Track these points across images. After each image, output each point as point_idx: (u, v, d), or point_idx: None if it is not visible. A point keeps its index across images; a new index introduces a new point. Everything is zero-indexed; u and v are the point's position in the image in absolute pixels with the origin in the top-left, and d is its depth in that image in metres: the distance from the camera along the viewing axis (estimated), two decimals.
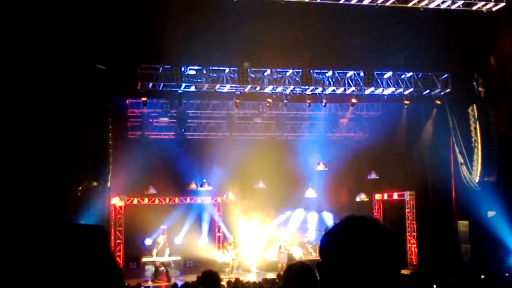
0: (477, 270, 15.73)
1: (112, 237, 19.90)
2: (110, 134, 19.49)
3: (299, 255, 21.50)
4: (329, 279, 1.87)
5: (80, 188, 18.33)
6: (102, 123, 19.12)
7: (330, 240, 1.91)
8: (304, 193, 23.40)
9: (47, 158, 16.75)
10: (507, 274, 14.58)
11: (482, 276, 14.06)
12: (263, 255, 22.22)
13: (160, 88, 19.02)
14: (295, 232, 23.29)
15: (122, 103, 21.58)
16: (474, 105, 19.89)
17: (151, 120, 22.64)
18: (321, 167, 23.06)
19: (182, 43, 17.63)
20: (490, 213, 19.05)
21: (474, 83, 19.78)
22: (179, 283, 12.83)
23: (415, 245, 22.10)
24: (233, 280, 14.82)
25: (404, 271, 16.88)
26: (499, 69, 19.55)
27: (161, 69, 18.57)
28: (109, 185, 19.45)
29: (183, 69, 18.70)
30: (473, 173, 19.66)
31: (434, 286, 10.65)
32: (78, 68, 17.31)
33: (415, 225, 22.23)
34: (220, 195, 22.60)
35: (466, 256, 19.00)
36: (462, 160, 20.04)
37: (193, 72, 18.98)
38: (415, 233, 22.17)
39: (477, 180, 19.53)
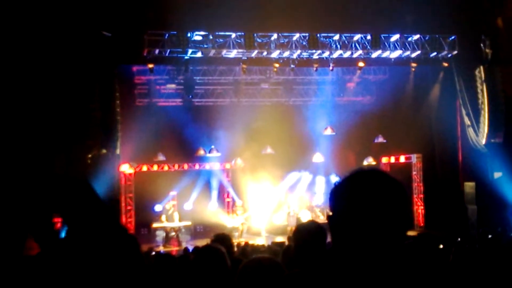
0: (484, 230, 15.88)
1: (123, 204, 20.17)
2: (118, 102, 19.53)
3: (307, 218, 21.71)
4: (339, 231, 1.89)
5: (90, 156, 18.45)
6: (109, 91, 19.12)
7: (340, 192, 1.92)
8: (312, 157, 23.50)
9: (56, 127, 16.88)
10: None
11: (490, 236, 14.18)
12: (272, 219, 22.49)
13: (167, 55, 18.98)
14: (304, 196, 23.51)
15: (129, 70, 21.51)
16: (481, 67, 19.78)
17: (158, 87, 22.60)
18: (328, 131, 23.06)
19: (188, 8, 17.51)
20: (497, 174, 19.13)
21: (481, 45, 19.63)
22: (190, 248, 13.03)
23: (422, 207, 22.28)
24: (242, 243, 15.05)
25: (411, 233, 17.09)
26: (506, 31, 19.36)
27: (167, 35, 18.51)
28: (118, 152, 19.56)
29: (189, 34, 18.64)
30: (480, 135, 19.67)
31: (441, 246, 10.77)
32: (84, 36, 17.25)
33: (422, 187, 22.37)
34: (229, 161, 22.76)
35: (473, 217, 19.18)
36: (469, 122, 20.03)
37: (199, 38, 18.89)
38: (422, 195, 22.33)
39: (483, 142, 19.56)
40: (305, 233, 3.84)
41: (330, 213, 1.94)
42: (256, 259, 3.32)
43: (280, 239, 17.64)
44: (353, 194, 1.87)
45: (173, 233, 20.01)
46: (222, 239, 5.31)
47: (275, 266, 3.18)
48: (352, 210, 1.84)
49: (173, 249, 18.96)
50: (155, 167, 21.70)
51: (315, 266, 1.96)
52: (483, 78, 19.69)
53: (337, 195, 1.93)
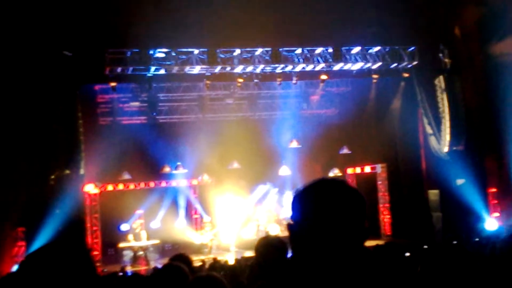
0: (449, 236, 16.13)
1: (88, 225, 19.85)
2: (80, 121, 19.28)
3: (276, 232, 21.73)
4: (298, 240, 1.91)
5: (53, 176, 18.19)
6: (71, 111, 18.89)
7: (299, 201, 1.94)
8: (279, 170, 23.57)
9: (17, 148, 16.61)
10: (477, 239, 14.96)
11: (454, 242, 14.40)
12: (241, 234, 22.43)
13: (129, 72, 18.83)
14: (272, 210, 23.52)
15: (91, 89, 21.25)
16: (441, 76, 20.15)
17: (121, 105, 22.37)
18: (294, 144, 23.21)
19: (149, 25, 17.45)
20: (459, 181, 19.45)
21: (440, 55, 20.04)
22: (159, 266, 12.88)
23: (388, 216, 22.49)
24: (211, 260, 14.97)
25: (378, 242, 17.22)
26: (464, 40, 19.82)
27: (129, 53, 18.38)
28: (82, 172, 19.29)
29: (151, 52, 18.57)
30: (442, 143, 20.00)
31: (407, 254, 10.89)
32: (44, 56, 17.06)
33: (387, 197, 22.60)
34: (196, 177, 22.66)
35: (438, 224, 19.46)
36: (430, 131, 20.35)
37: (162, 55, 18.82)
38: (388, 204, 22.55)
39: (446, 150, 19.89)
40: (265, 246, 3.85)
41: (291, 222, 1.95)
42: (198, 278, 3.32)
43: (249, 254, 17.57)
44: (313, 203, 1.89)
45: (141, 252, 19.79)
46: (181, 259, 5.16)
47: (218, 283, 3.19)
48: (311, 219, 1.86)
49: (141, 268, 18.76)
50: (121, 186, 21.43)
51: (275, 278, 1.97)
52: (443, 87, 20.06)
53: (296, 204, 1.94)
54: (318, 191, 1.92)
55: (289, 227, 1.94)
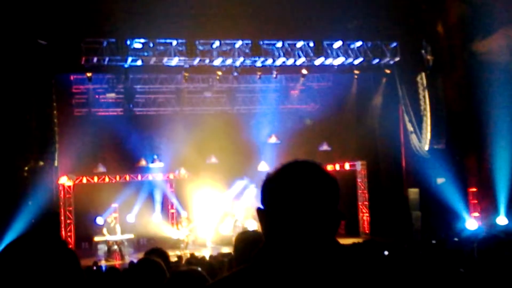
0: (428, 235, 16.06)
1: (62, 218, 19.60)
2: (55, 112, 18.97)
3: (253, 228, 21.50)
4: (270, 224, 1.85)
5: (26, 168, 17.90)
6: (46, 101, 18.59)
7: (270, 183, 1.88)
8: (257, 166, 23.32)
9: None
10: (456, 239, 14.90)
11: (433, 241, 14.32)
12: (218, 230, 22.20)
13: (106, 63, 18.51)
14: (249, 205, 23.28)
15: (66, 79, 20.92)
16: (423, 73, 20.11)
17: (97, 96, 22.02)
18: (273, 139, 23.01)
19: (126, 15, 17.14)
20: (440, 180, 19.44)
21: (423, 51, 19.95)
22: (135, 261, 12.59)
23: (367, 214, 22.37)
24: (188, 255, 14.72)
25: (356, 240, 17.11)
26: (447, 37, 19.77)
27: (105, 43, 18.03)
28: (56, 164, 19.02)
29: (128, 42, 18.22)
30: (423, 141, 19.96)
31: (386, 252, 10.74)
32: (18, 44, 16.68)
33: (367, 194, 22.47)
34: (172, 171, 22.36)
35: (417, 223, 19.42)
36: (411, 129, 20.30)
37: (139, 46, 18.50)
38: (367, 202, 22.42)
39: (426, 148, 19.85)
40: (243, 241, 3.75)
41: (260, 207, 1.89)
42: (178, 272, 3.30)
43: (226, 249, 17.36)
44: (284, 185, 1.83)
45: (116, 247, 19.46)
46: (157, 253, 5.09)
47: (200, 277, 3.18)
48: (282, 202, 1.81)
49: (116, 262, 18.44)
50: (95, 179, 21.07)
51: (249, 265, 1.89)
52: (424, 85, 20.00)
53: (268, 187, 1.89)
54: (290, 173, 1.86)
55: (260, 212, 1.88)
